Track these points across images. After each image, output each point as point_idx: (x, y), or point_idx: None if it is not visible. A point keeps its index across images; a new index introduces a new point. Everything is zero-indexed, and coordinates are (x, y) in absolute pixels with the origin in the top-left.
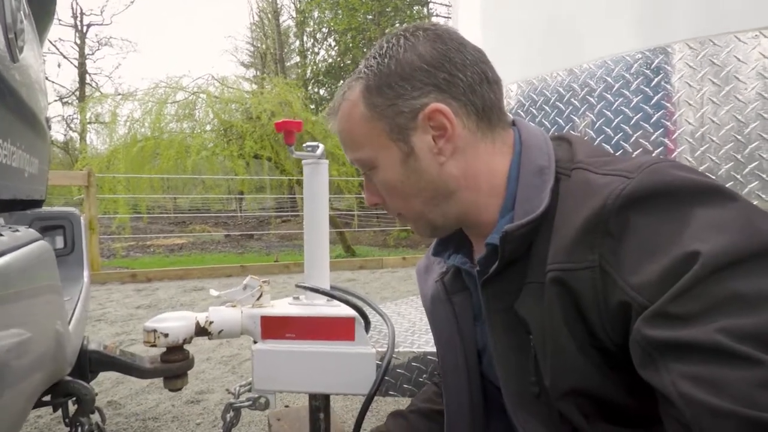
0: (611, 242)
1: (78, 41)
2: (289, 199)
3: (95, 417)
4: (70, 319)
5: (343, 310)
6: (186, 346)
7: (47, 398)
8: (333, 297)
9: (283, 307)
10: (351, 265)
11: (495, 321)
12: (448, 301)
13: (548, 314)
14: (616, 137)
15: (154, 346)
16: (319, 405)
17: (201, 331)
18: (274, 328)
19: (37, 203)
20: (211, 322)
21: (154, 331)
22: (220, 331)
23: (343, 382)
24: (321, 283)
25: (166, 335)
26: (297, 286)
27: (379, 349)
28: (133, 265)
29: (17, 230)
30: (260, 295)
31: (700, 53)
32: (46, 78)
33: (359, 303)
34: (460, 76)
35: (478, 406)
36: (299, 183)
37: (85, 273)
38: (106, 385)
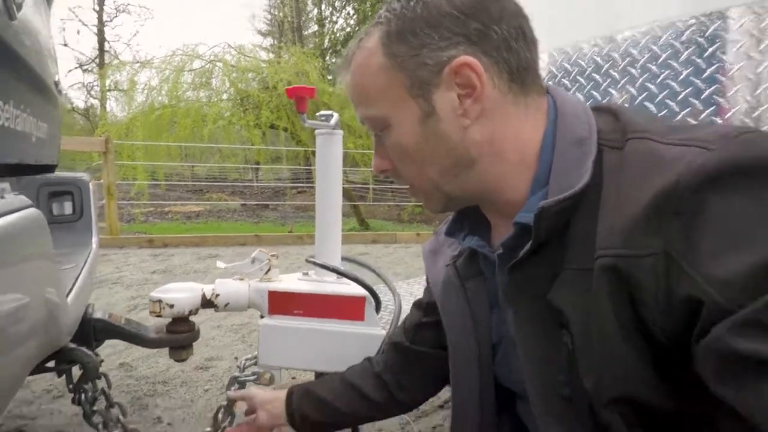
0: (682, 225)
1: (96, 7)
2: (305, 170)
3: (101, 383)
4: (72, 287)
5: (354, 289)
6: (197, 314)
7: (51, 364)
8: (343, 275)
9: (291, 282)
10: (364, 238)
11: (521, 311)
12: (461, 288)
13: (595, 306)
14: (660, 114)
15: (159, 316)
16: None
17: (207, 303)
18: (282, 303)
19: (49, 168)
20: (217, 295)
21: (160, 301)
22: (227, 304)
23: (350, 363)
24: (332, 259)
25: (172, 306)
26: (307, 261)
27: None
28: (151, 231)
29: (2, 197)
30: (269, 269)
31: (764, 20)
32: (65, 44)
33: (370, 283)
34: (495, 28)
35: (488, 400)
36: (315, 154)
37: (94, 239)
38: (119, 347)
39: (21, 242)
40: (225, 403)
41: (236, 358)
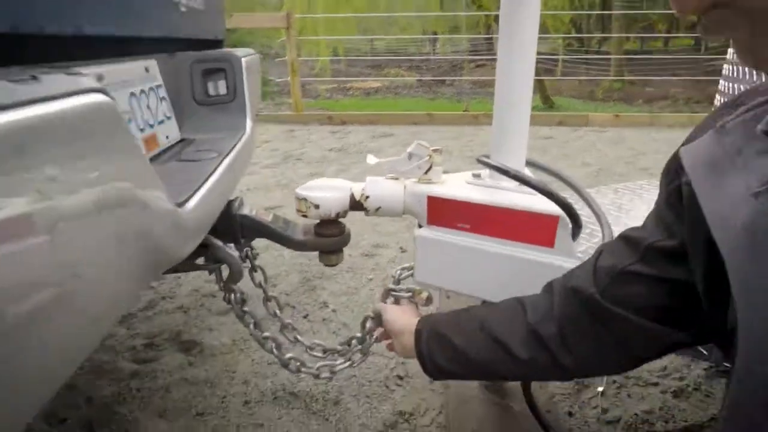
0: None
1: None
2: (485, 40)
3: (258, 276)
4: (201, 185)
5: (543, 204)
6: (345, 216)
7: (201, 262)
8: (529, 184)
9: (457, 186)
10: (548, 120)
11: None
12: None
13: None
14: None
15: (305, 216)
16: None
17: (356, 205)
18: (444, 213)
19: (213, 44)
20: (367, 197)
21: (305, 200)
22: (378, 209)
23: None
24: (514, 160)
25: (317, 207)
26: (479, 161)
27: None
28: (333, 107)
29: (68, 79)
30: (429, 168)
31: None
32: None
33: (566, 198)
34: None
35: None
36: (497, 20)
37: (248, 122)
38: None
39: (74, 133)
40: (372, 315)
41: (401, 248)
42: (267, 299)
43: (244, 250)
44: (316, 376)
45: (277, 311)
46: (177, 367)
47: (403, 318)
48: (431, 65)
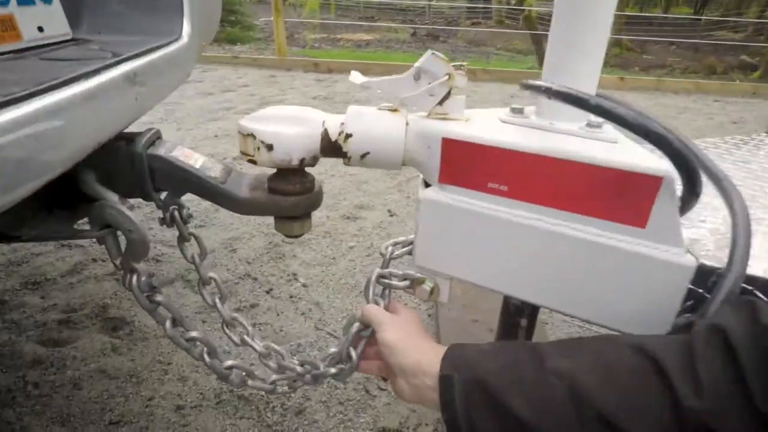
0: None
1: None
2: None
3: (191, 248)
4: (66, 82)
5: (632, 156)
6: (315, 165)
7: (84, 225)
8: (614, 118)
9: (489, 126)
10: None
11: None
12: None
13: None
14: None
15: (253, 162)
16: (523, 308)
17: (331, 147)
18: (468, 165)
19: None
20: (348, 136)
21: (252, 135)
22: (365, 155)
23: (595, 305)
24: (583, 82)
25: (270, 147)
26: (524, 86)
27: (705, 261)
28: (318, 56)
29: None
30: (446, 95)
31: None
32: None
33: (680, 143)
34: None
35: None
36: None
37: (185, 27)
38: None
39: None
40: (358, 322)
41: (389, 212)
42: (203, 282)
43: (170, 209)
44: (270, 392)
45: (217, 301)
46: (96, 353)
47: (414, 345)
48: (425, 21)
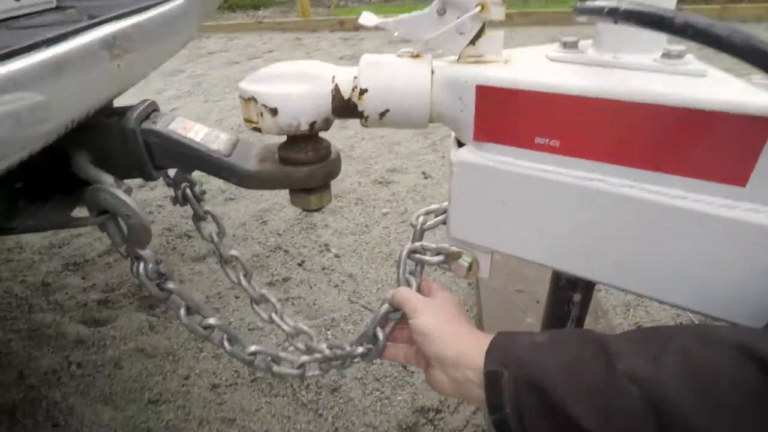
0: None
1: None
2: None
3: (209, 226)
4: (28, 49)
5: (732, 93)
6: (328, 129)
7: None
8: (714, 41)
9: (535, 66)
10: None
11: None
12: None
13: None
14: None
15: (257, 129)
16: (577, 281)
17: (344, 106)
18: (510, 118)
19: None
20: (363, 91)
21: (254, 99)
22: (384, 113)
23: (679, 286)
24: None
25: (274, 111)
26: (578, 10)
27: None
28: (342, 14)
29: None
30: (479, 32)
31: None
32: None
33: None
34: None
35: None
36: None
37: None
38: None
39: None
40: (389, 304)
41: (424, 174)
42: (224, 261)
43: (181, 186)
44: (299, 377)
45: (242, 278)
46: (134, 331)
47: (452, 332)
48: None
